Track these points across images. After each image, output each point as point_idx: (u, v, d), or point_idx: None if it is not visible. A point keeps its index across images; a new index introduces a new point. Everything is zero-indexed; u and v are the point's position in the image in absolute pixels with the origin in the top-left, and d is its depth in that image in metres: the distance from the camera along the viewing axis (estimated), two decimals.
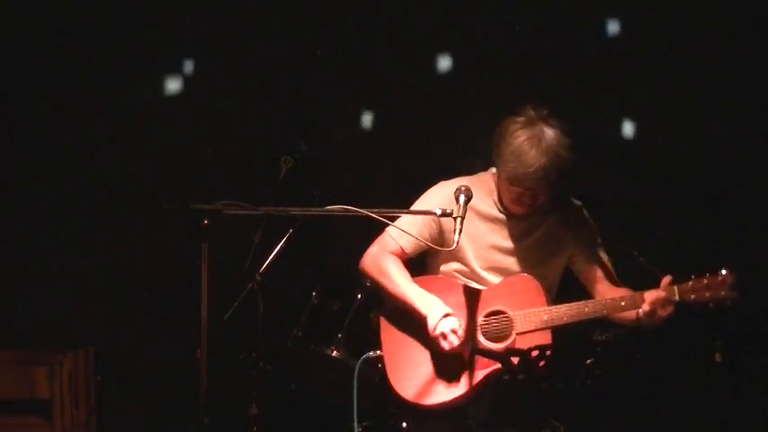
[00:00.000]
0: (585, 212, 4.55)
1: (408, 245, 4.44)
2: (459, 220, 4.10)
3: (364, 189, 5.65)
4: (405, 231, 4.30)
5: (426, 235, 4.41)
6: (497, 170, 4.38)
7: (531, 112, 4.27)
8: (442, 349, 4.24)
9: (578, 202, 4.55)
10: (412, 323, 4.36)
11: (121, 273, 5.85)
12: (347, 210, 4.16)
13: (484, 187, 4.45)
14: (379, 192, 5.26)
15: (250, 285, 5.00)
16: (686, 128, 5.64)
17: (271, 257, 5.02)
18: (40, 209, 5.88)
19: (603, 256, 4.49)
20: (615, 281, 4.46)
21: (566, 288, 4.57)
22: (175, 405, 5.67)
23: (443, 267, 4.49)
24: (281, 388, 5.16)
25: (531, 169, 4.19)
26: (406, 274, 4.42)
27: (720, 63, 5.59)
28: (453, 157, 5.45)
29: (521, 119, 4.27)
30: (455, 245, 4.10)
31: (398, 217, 4.41)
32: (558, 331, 4.33)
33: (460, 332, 4.24)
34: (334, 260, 5.66)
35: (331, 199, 4.16)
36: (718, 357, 5.34)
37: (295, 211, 4.25)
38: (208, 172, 5.82)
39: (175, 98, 5.89)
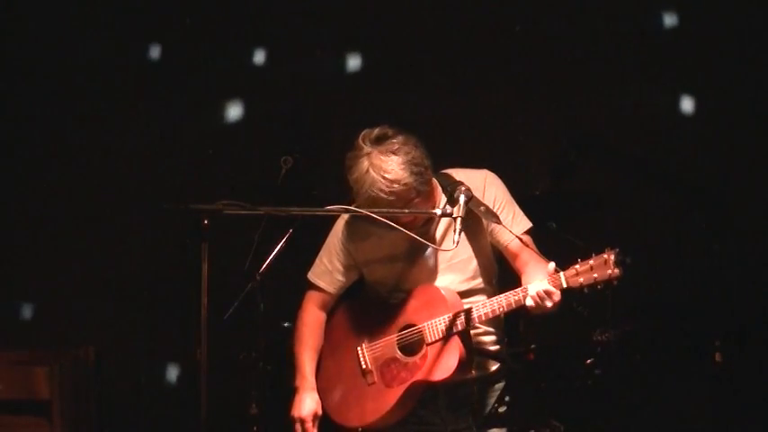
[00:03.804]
0: (489, 182, 4.35)
1: (329, 285, 4.48)
2: (458, 219, 4.11)
3: None
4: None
5: (340, 266, 4.45)
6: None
7: (365, 143, 4.20)
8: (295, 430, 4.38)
9: (481, 173, 4.36)
10: (342, 353, 4.44)
11: (121, 273, 5.85)
12: (347, 210, 4.17)
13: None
14: None
15: (250, 285, 4.99)
16: (687, 129, 5.65)
17: (271, 257, 5.02)
18: (41, 209, 5.88)
19: (516, 228, 4.30)
20: (530, 252, 4.33)
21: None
22: (175, 405, 5.68)
23: (372, 290, 4.50)
24: (281, 388, 5.16)
25: (374, 196, 4.16)
26: (310, 340, 4.49)
27: (721, 60, 5.60)
28: (453, 157, 5.45)
29: (357, 152, 4.19)
30: (456, 245, 4.11)
31: (398, 216, 4.40)
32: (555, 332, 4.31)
33: (308, 426, 4.36)
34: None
35: (331, 199, 4.17)
36: (718, 357, 5.35)
37: (295, 211, 4.25)
38: (208, 172, 5.82)
39: (175, 99, 5.89)
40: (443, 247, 4.28)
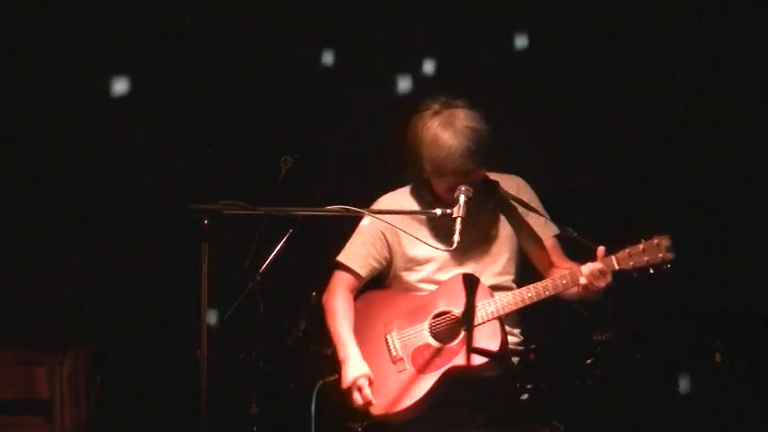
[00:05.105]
0: (523, 186, 4.52)
1: (362, 269, 4.50)
2: (459, 219, 4.13)
3: (364, 189, 5.65)
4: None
5: (375, 253, 4.47)
6: (423, 171, 4.37)
7: (433, 104, 4.31)
8: (353, 401, 4.33)
9: (515, 177, 4.54)
10: (368, 342, 4.46)
11: (121, 273, 5.85)
12: (347, 210, 4.17)
13: (417, 193, 4.47)
14: (378, 192, 5.26)
15: (250, 285, 4.99)
16: (687, 128, 5.65)
17: (271, 257, 5.02)
18: (41, 209, 5.88)
19: (547, 230, 4.46)
20: (559, 254, 4.45)
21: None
22: (175, 405, 5.68)
23: (398, 280, 4.52)
24: (281, 388, 5.16)
25: (453, 150, 4.22)
26: (347, 316, 4.50)
27: (721, 62, 5.60)
28: None
29: (426, 112, 4.31)
30: (455, 245, 4.12)
31: (398, 216, 4.43)
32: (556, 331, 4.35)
33: (366, 391, 4.33)
34: (335, 260, 5.66)
35: (331, 198, 4.18)
36: (718, 357, 5.35)
37: (295, 211, 4.26)
38: (208, 172, 5.82)
39: (176, 98, 5.89)
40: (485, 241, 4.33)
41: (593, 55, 5.71)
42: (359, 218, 4.50)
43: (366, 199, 4.60)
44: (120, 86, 5.87)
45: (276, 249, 5.04)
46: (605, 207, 5.57)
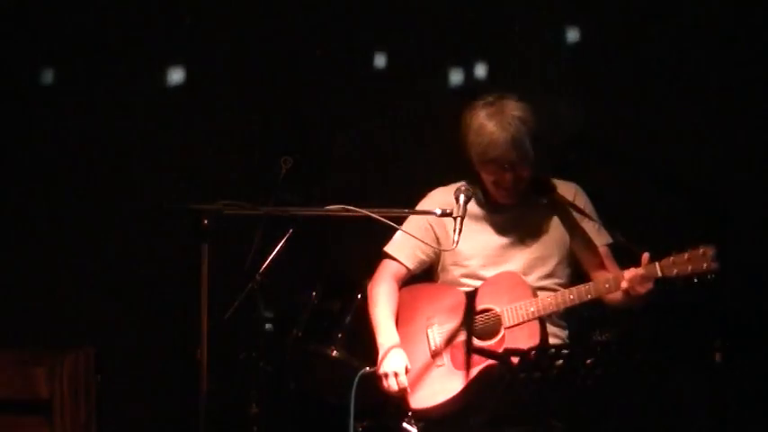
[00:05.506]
0: (579, 193, 4.56)
1: (408, 260, 4.53)
2: (458, 219, 4.13)
3: (364, 189, 5.66)
4: (408, 228, 4.42)
5: (423, 245, 4.49)
6: (470, 162, 4.41)
7: (487, 96, 4.35)
8: (388, 387, 4.32)
9: (571, 184, 4.58)
10: (409, 335, 4.46)
11: (121, 273, 5.85)
12: (347, 210, 4.17)
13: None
14: (378, 192, 5.27)
15: (250, 285, 5.00)
16: (686, 128, 5.64)
17: (271, 257, 5.02)
18: (40, 208, 5.88)
19: (600, 238, 4.50)
20: (611, 263, 4.48)
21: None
22: (175, 405, 5.68)
23: (444, 273, 4.53)
24: (280, 388, 5.16)
25: (495, 136, 4.26)
26: (389, 304, 4.51)
27: (721, 61, 5.60)
28: (455, 157, 5.45)
29: (478, 103, 4.35)
30: (455, 245, 4.12)
31: (398, 217, 4.43)
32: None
33: (402, 378, 4.30)
34: (334, 260, 5.66)
35: (331, 199, 4.18)
36: (718, 357, 5.34)
37: (295, 211, 4.27)
38: (208, 172, 5.82)
39: (175, 97, 5.89)
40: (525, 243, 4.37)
41: (592, 53, 5.72)
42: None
43: (366, 199, 4.61)
44: (120, 86, 5.87)
45: (276, 249, 5.05)
46: (605, 206, 5.56)
